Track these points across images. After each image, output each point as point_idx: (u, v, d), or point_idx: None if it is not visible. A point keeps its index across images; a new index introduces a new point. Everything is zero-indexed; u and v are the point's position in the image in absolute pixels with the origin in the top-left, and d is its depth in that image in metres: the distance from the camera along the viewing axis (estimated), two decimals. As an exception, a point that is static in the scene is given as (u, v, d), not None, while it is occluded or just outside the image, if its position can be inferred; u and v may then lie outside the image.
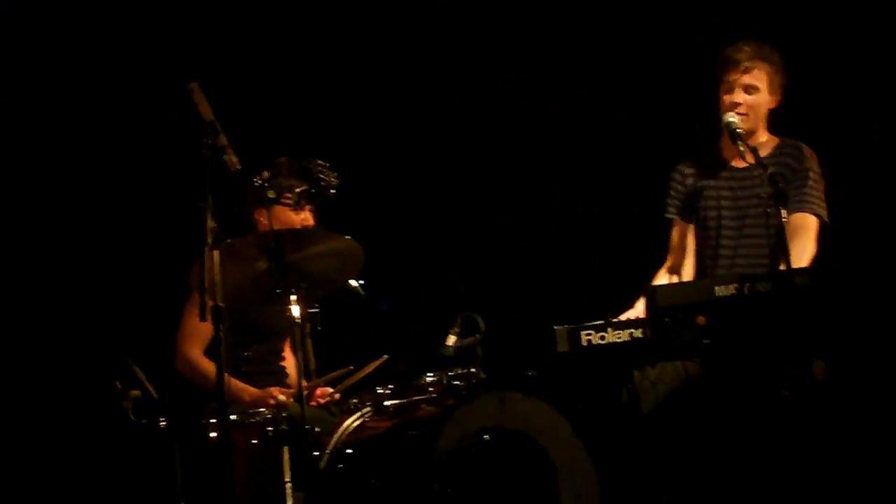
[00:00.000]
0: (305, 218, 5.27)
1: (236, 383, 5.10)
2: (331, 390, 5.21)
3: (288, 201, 5.13)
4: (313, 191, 5.17)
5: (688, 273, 5.17)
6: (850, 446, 4.69)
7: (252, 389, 5.15)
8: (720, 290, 4.38)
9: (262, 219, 5.18)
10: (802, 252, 4.84)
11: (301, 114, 6.52)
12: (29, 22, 6.21)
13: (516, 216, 6.60)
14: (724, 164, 5.17)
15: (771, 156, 5.06)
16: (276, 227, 4.84)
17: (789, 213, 4.70)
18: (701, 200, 5.18)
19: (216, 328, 4.24)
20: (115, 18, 6.28)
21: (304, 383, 4.72)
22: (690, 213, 5.22)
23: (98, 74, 6.28)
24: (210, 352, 5.15)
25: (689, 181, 5.23)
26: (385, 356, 5.28)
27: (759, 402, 4.44)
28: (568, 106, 6.48)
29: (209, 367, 5.12)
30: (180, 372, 5.24)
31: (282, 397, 5.03)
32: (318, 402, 5.17)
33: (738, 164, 5.10)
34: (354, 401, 4.97)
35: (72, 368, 6.16)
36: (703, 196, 5.18)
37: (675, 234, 5.28)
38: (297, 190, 5.18)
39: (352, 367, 5.24)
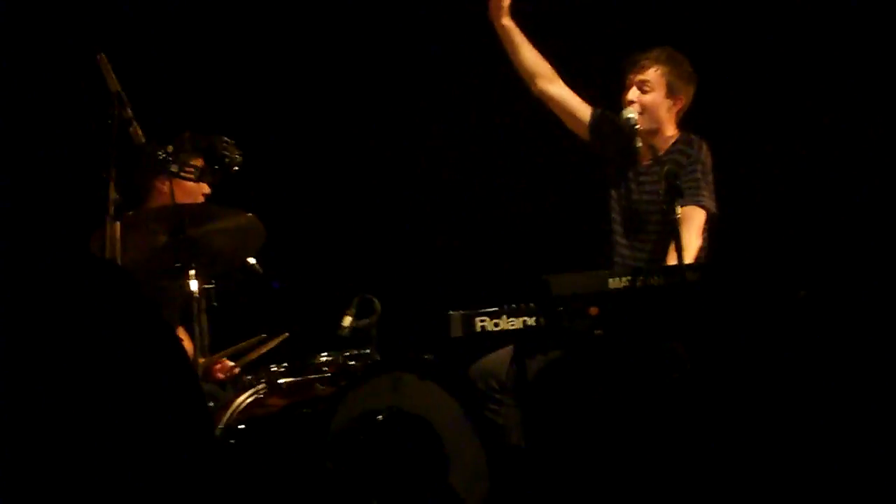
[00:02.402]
0: (204, 188, 5.27)
1: None
2: (231, 364, 5.22)
3: (190, 175, 5.10)
4: (216, 167, 5.16)
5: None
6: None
7: None
8: (613, 283, 4.49)
9: (164, 187, 5.17)
10: (687, 245, 4.85)
11: (205, 89, 6.49)
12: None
13: (414, 199, 6.66)
14: (632, 160, 5.27)
15: (667, 151, 5.18)
16: (179, 198, 4.85)
17: (680, 202, 4.81)
18: (607, 189, 5.29)
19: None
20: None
21: (201, 359, 4.73)
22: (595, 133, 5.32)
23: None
24: None
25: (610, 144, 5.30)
26: (286, 333, 5.31)
27: (649, 387, 4.55)
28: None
29: None
30: None
31: None
32: (217, 376, 5.17)
33: (643, 160, 5.22)
34: (248, 377, 4.99)
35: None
36: (609, 185, 5.28)
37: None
38: (200, 165, 5.16)
39: (260, 337, 5.24)
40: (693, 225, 5.01)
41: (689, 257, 4.79)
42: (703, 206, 5.08)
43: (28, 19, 6.23)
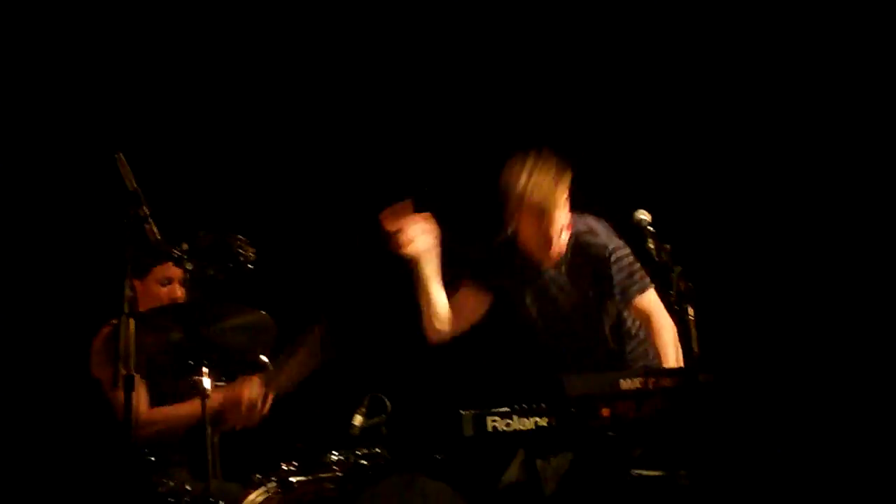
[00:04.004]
0: (172, 291, 5.27)
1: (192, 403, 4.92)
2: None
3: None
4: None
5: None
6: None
7: (220, 393, 5.07)
8: (625, 384, 4.50)
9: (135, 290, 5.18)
10: (670, 327, 4.95)
11: (219, 187, 6.55)
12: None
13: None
14: (533, 266, 5.24)
15: (571, 247, 5.18)
16: (146, 303, 4.90)
17: (631, 298, 4.93)
18: (517, 300, 5.30)
19: (127, 397, 4.25)
20: (41, 85, 6.31)
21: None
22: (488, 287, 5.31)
23: (23, 141, 6.29)
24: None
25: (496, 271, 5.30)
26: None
27: (660, 488, 4.54)
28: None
29: (166, 411, 5.07)
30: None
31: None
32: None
33: (546, 265, 5.19)
34: (259, 476, 4.97)
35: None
36: (517, 297, 5.29)
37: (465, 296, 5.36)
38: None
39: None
40: (661, 307, 5.02)
41: (673, 338, 4.83)
42: (651, 285, 5.09)
43: (45, 119, 6.31)
